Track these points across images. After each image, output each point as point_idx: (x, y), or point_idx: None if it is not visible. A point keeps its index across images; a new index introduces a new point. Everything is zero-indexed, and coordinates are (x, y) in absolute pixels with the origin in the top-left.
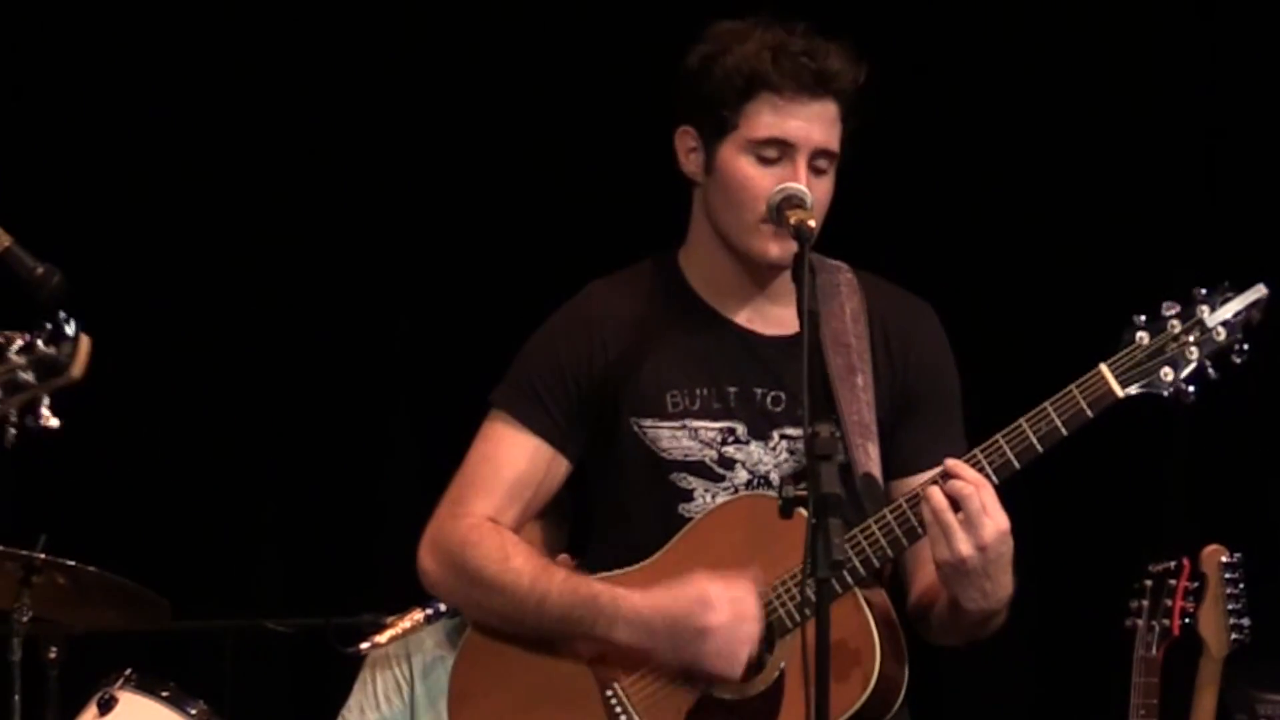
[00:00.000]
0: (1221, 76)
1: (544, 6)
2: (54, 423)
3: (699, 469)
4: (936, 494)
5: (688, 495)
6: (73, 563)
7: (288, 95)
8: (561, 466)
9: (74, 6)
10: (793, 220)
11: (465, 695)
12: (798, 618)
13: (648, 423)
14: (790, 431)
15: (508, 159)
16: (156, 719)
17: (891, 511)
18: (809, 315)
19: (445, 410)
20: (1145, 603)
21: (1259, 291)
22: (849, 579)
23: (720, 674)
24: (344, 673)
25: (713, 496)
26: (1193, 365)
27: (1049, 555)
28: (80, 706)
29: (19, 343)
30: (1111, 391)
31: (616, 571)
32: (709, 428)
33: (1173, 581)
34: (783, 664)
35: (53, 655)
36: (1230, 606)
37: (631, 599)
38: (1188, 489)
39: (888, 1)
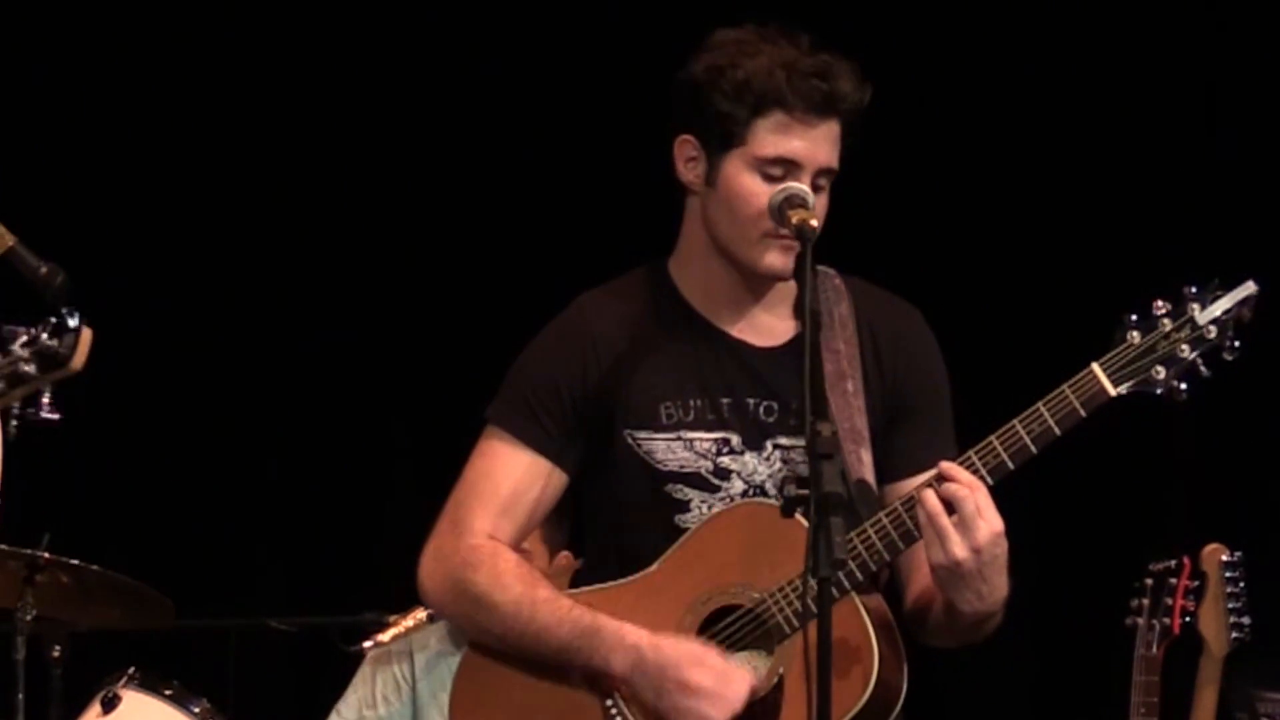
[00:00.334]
0: (1209, 75)
1: (533, 17)
2: (54, 415)
3: (694, 480)
4: (931, 497)
5: (684, 506)
6: (76, 561)
7: (293, 103)
8: (559, 479)
9: (75, 6)
10: (795, 220)
11: (466, 709)
12: (796, 623)
13: (642, 435)
14: (784, 441)
15: (504, 168)
16: (160, 717)
17: (887, 515)
18: (811, 315)
19: (446, 410)
20: (1146, 601)
21: (1248, 289)
22: (846, 583)
23: None
24: (347, 671)
25: (709, 507)
26: (1185, 363)
27: (1050, 554)
28: (84, 705)
29: (23, 336)
30: (1104, 391)
31: (615, 582)
32: (703, 439)
33: (1173, 580)
34: (781, 669)
35: (56, 654)
36: (1231, 605)
37: (636, 631)
38: (1188, 488)
39: (878, 2)
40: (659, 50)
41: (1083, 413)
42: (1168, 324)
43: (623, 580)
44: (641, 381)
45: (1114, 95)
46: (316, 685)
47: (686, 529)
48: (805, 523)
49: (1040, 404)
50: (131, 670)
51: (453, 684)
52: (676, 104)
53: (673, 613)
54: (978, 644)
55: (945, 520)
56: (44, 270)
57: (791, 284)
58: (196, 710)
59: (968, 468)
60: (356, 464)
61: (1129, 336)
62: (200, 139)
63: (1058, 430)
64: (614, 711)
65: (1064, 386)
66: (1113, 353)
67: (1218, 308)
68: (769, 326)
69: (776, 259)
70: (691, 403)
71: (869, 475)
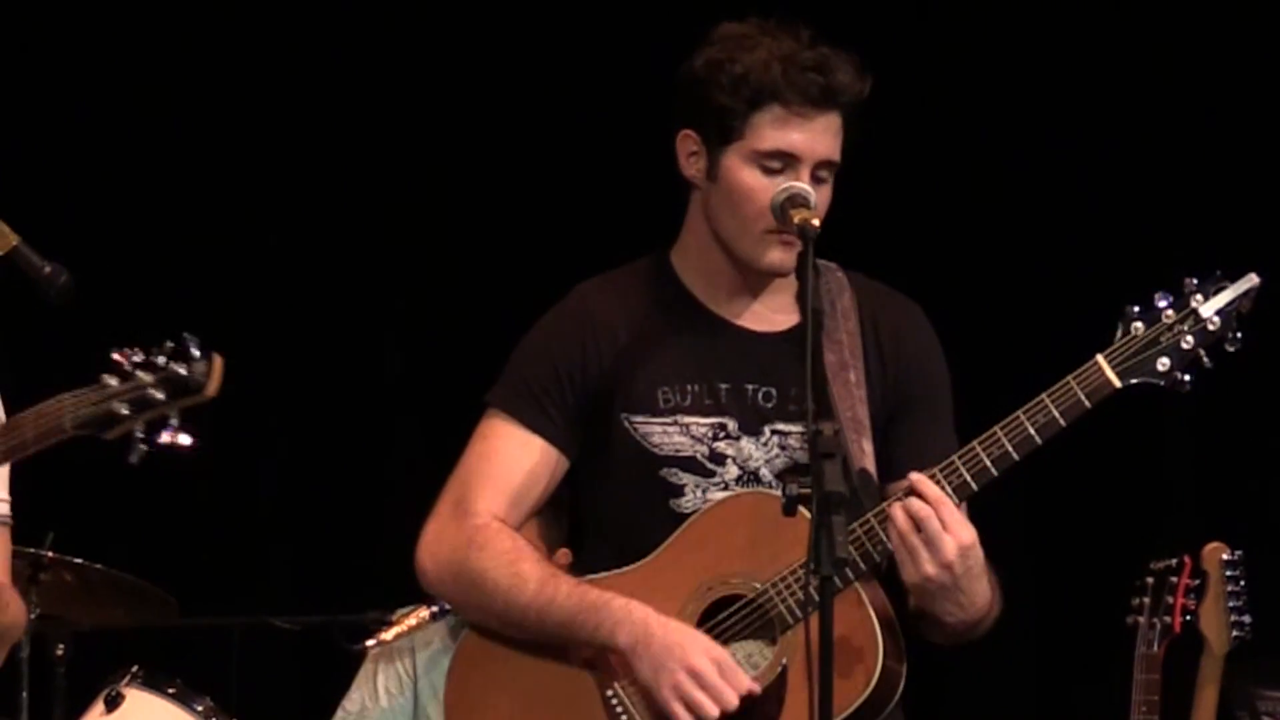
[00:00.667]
0: (1210, 68)
1: (534, 11)
2: (185, 440)
3: (689, 464)
4: (900, 516)
5: (678, 490)
6: (80, 560)
7: (295, 98)
8: (559, 464)
9: (76, 6)
10: (797, 219)
11: (463, 699)
12: (799, 614)
13: (639, 419)
14: (782, 427)
15: (504, 159)
16: (163, 716)
17: (875, 517)
18: (813, 314)
19: (449, 408)
20: (1147, 600)
21: (1250, 281)
22: (849, 574)
23: (669, 713)
24: (350, 669)
25: (703, 492)
26: (1188, 354)
27: (1051, 553)
28: (87, 703)
29: (141, 357)
30: (1109, 382)
31: (615, 571)
32: (700, 423)
33: (1174, 579)
34: (785, 660)
35: (60, 652)
36: (1231, 604)
37: (646, 610)
38: (1189, 487)
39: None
40: (664, 44)
41: (1088, 404)
42: (1171, 315)
43: (623, 569)
44: (640, 366)
45: (1114, 88)
46: (320, 684)
47: (681, 513)
48: (807, 514)
49: (1044, 395)
50: (135, 668)
51: (449, 670)
52: (678, 99)
53: (674, 601)
54: (978, 641)
55: (915, 539)
56: (47, 270)
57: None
58: (200, 708)
59: (951, 471)
60: (359, 462)
61: (1132, 328)
62: (200, 133)
63: (1063, 421)
64: (615, 702)
65: (1069, 378)
66: (1116, 344)
67: (1220, 299)
68: (770, 314)
69: (777, 256)
70: (689, 387)
71: (870, 465)
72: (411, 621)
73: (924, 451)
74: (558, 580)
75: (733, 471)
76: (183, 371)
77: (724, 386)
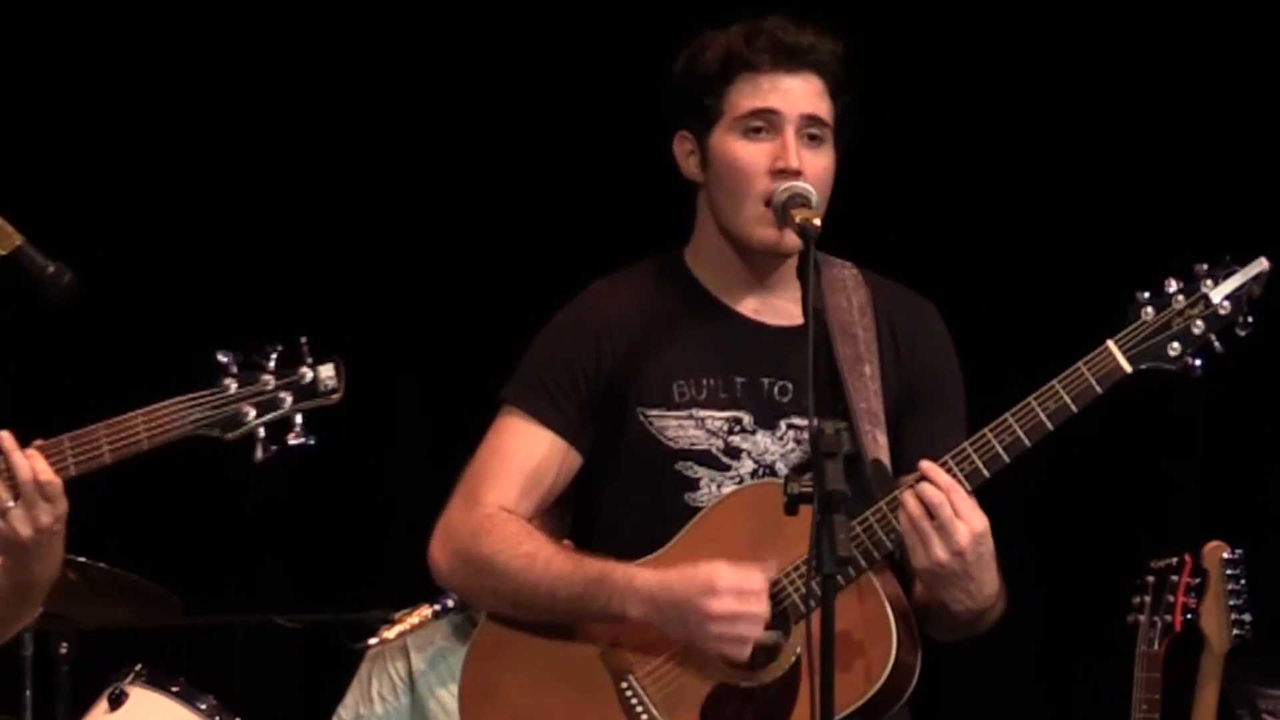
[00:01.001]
0: (1217, 53)
1: (547, 12)
2: (311, 441)
3: (705, 458)
4: (911, 502)
5: (693, 484)
6: (83, 559)
7: (301, 97)
8: (572, 459)
9: (78, 6)
10: (798, 219)
11: (479, 690)
12: (812, 603)
13: (654, 413)
14: (797, 421)
15: (510, 163)
16: (166, 714)
17: (888, 505)
18: (814, 313)
19: (453, 407)
20: (1147, 599)
21: (1260, 265)
22: (863, 562)
23: (725, 658)
24: (352, 668)
25: (718, 486)
26: (1199, 339)
27: (1052, 552)
28: (91, 702)
29: (263, 360)
30: (1120, 368)
31: (630, 564)
32: (715, 417)
33: (1174, 577)
34: (799, 650)
35: (63, 650)
36: (1232, 602)
37: (644, 575)
38: (1189, 486)
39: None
40: (666, 48)
41: (1098, 389)
42: (1181, 301)
43: (637, 561)
44: (655, 360)
45: (1123, 73)
46: (323, 682)
47: (696, 507)
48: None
49: (1055, 381)
50: (138, 667)
51: (464, 662)
52: (669, 105)
53: None
54: (981, 637)
55: (926, 525)
56: (51, 269)
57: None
58: (203, 707)
59: (963, 458)
60: (362, 461)
61: (1143, 314)
62: (204, 131)
63: (1074, 407)
64: (629, 693)
65: (1079, 364)
66: (1127, 329)
67: (1230, 284)
68: (784, 307)
69: (773, 232)
70: (705, 381)
71: (885, 456)
72: (413, 620)
73: (935, 446)
74: (563, 557)
75: (748, 465)
76: (309, 376)
77: (740, 380)
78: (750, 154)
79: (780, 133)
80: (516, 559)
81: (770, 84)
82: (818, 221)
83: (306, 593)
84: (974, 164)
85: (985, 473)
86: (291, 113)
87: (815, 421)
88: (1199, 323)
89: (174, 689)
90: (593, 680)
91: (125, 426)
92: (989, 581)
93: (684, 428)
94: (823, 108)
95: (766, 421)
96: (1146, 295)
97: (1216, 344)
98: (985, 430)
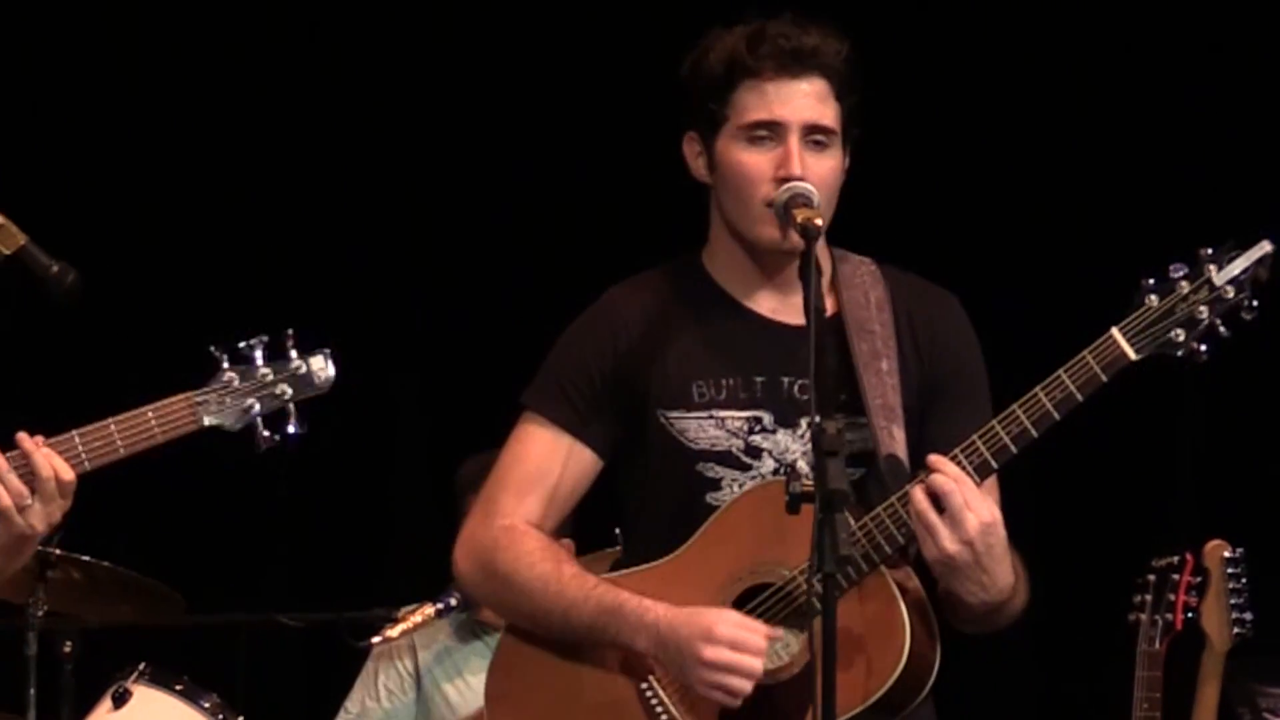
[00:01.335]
0: (1224, 41)
1: (571, 18)
2: (304, 430)
3: (725, 458)
4: (919, 494)
5: (715, 485)
6: (87, 558)
7: (308, 101)
8: (591, 462)
9: (78, 6)
10: (800, 219)
11: (504, 694)
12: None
13: (674, 414)
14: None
15: (515, 169)
16: (170, 712)
17: (899, 499)
18: (816, 312)
19: (455, 407)
20: (1148, 597)
21: (1264, 248)
22: (875, 557)
23: (712, 700)
24: (355, 666)
25: (740, 486)
26: (1203, 325)
27: (1053, 550)
28: (95, 700)
29: (251, 351)
30: (1124, 355)
31: (646, 565)
32: (735, 417)
33: (1175, 576)
34: (814, 646)
35: (68, 649)
36: (1233, 601)
37: (656, 611)
38: (1190, 485)
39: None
40: (670, 51)
41: (1104, 377)
42: (1185, 286)
43: (654, 563)
44: (675, 362)
45: (1129, 62)
46: (326, 680)
47: (718, 508)
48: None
49: (1061, 370)
50: (142, 665)
51: (489, 669)
52: (679, 108)
53: (705, 593)
54: (983, 636)
55: (933, 516)
56: (55, 269)
57: (825, 264)
58: (206, 705)
59: (971, 450)
60: (364, 460)
61: (1147, 300)
62: (212, 136)
63: (1080, 395)
64: (649, 694)
65: (1084, 352)
66: (1131, 316)
67: (1234, 268)
68: (801, 305)
69: (774, 232)
70: (724, 381)
71: (901, 451)
72: (417, 619)
73: (958, 438)
74: (578, 581)
75: (769, 465)
76: (303, 367)
77: (759, 380)
78: (754, 161)
79: (784, 141)
80: (532, 580)
81: (774, 91)
82: (819, 221)
83: (309, 591)
84: (978, 154)
85: (994, 465)
86: (295, 112)
87: (817, 420)
88: (1203, 308)
89: (178, 687)
90: (616, 683)
91: (137, 421)
92: (1002, 574)
93: (704, 428)
94: (827, 112)
95: (787, 420)
96: (1152, 281)
97: (1222, 329)
98: (993, 422)
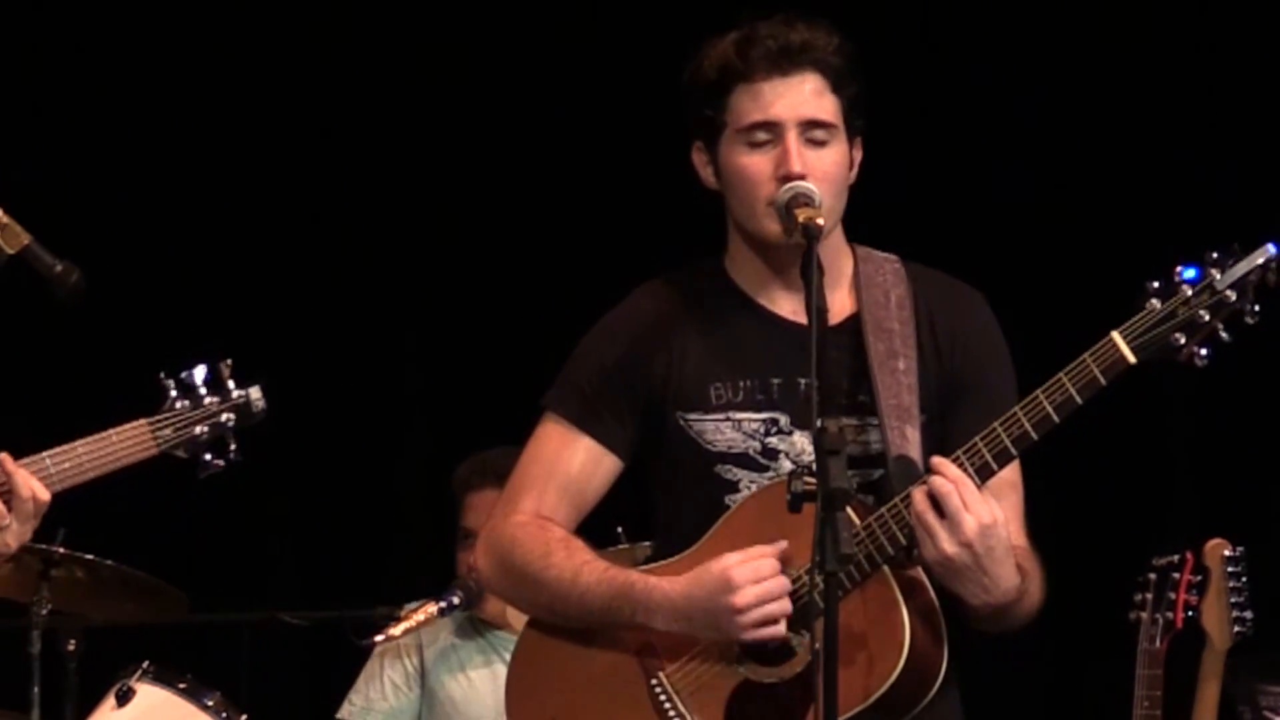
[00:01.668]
0: (1232, 42)
1: (585, 25)
2: (239, 458)
3: (743, 460)
4: (919, 496)
5: (733, 486)
6: (91, 556)
7: (317, 105)
8: (610, 462)
9: (80, 6)
10: (801, 219)
11: (523, 691)
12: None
13: (693, 416)
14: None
15: (524, 171)
16: (174, 710)
17: (903, 500)
18: (818, 313)
19: (459, 405)
20: (1149, 596)
21: (1267, 252)
22: (878, 557)
23: (763, 643)
24: (359, 664)
25: (757, 488)
26: (1204, 329)
27: (1053, 549)
28: (99, 698)
29: (194, 381)
30: (1124, 358)
31: (659, 563)
32: (751, 419)
33: (1176, 575)
34: (818, 645)
35: (71, 647)
36: (1233, 600)
37: (662, 586)
38: (1190, 484)
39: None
40: (672, 55)
41: (1103, 381)
42: (1187, 290)
43: (666, 560)
44: (693, 364)
45: (1134, 62)
46: (329, 678)
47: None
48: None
49: (1061, 374)
50: (146, 664)
51: (510, 665)
52: (685, 119)
53: None
54: (987, 635)
55: (932, 518)
56: (59, 269)
57: (846, 263)
58: (210, 703)
59: (973, 453)
60: (368, 458)
61: (1149, 304)
62: (218, 138)
63: (1079, 399)
64: (658, 690)
65: (1085, 355)
66: (1132, 320)
67: (1235, 272)
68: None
69: (780, 231)
70: (741, 383)
71: (914, 452)
72: (420, 617)
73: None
74: (590, 568)
75: (786, 466)
76: (244, 398)
77: (776, 381)
78: (755, 164)
79: (782, 139)
80: (548, 570)
81: (768, 92)
82: (820, 220)
83: (313, 589)
84: (978, 154)
85: (995, 467)
86: (302, 112)
87: (817, 420)
88: (1204, 312)
89: (181, 685)
90: (626, 680)
91: (102, 445)
92: (1005, 576)
93: (721, 430)
94: (824, 106)
95: (804, 421)
96: (1156, 285)
97: (1224, 333)
98: (995, 424)
